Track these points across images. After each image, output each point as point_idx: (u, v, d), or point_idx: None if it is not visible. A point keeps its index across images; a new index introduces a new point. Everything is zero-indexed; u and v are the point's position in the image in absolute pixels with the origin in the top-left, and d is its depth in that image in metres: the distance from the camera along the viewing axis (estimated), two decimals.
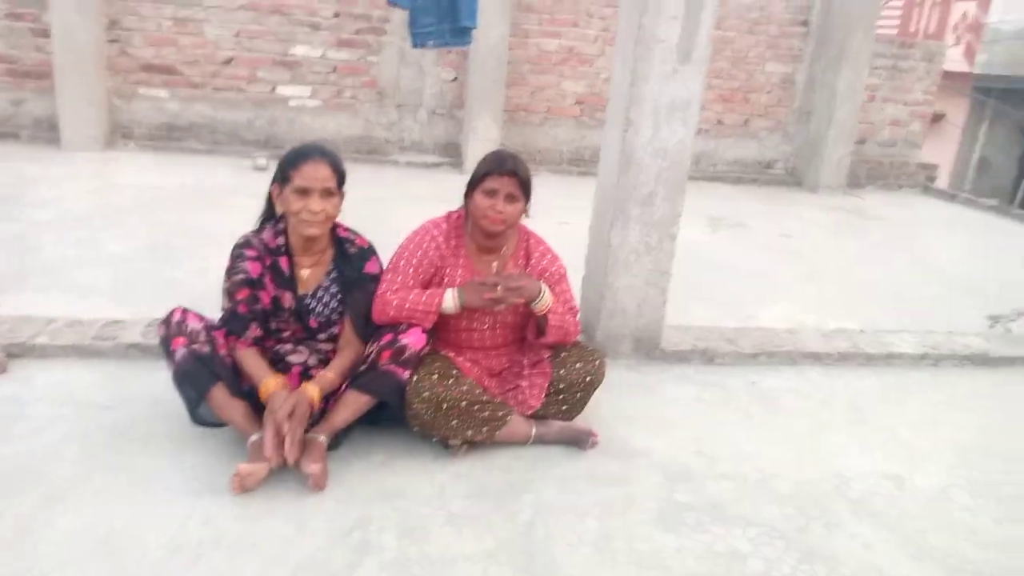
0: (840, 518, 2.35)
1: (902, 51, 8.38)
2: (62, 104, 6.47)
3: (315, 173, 2.33)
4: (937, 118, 12.00)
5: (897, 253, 5.89)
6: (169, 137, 7.00)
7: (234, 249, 2.43)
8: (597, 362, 2.65)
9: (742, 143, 8.24)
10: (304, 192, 2.32)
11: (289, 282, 2.44)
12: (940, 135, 12.86)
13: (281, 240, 2.44)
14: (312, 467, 2.21)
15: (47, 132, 6.68)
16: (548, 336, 2.55)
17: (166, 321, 2.35)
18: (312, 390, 2.31)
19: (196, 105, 7.00)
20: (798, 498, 2.43)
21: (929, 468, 2.70)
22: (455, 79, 7.37)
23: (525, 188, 2.49)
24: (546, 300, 2.49)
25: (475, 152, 6.64)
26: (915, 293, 4.78)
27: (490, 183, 2.46)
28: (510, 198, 2.46)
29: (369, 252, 2.54)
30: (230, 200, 5.46)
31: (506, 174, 2.45)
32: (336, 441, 2.39)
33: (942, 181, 10.21)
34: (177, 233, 4.60)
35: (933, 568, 2.17)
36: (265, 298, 2.43)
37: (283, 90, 7.10)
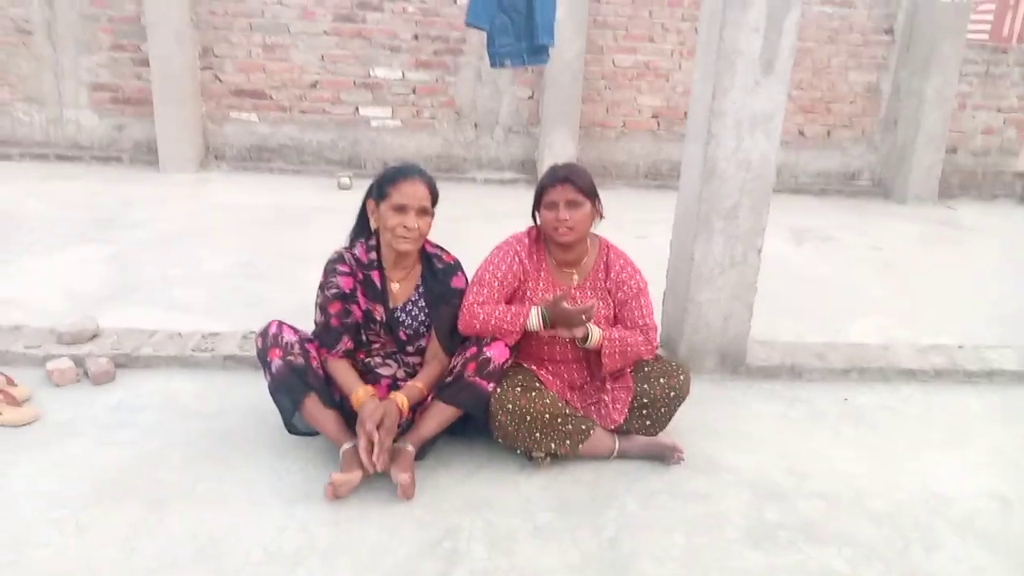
0: (942, 539, 2.25)
1: (994, 56, 8.01)
2: (160, 128, 6.83)
3: (413, 191, 2.41)
4: None
5: (993, 266, 5.62)
6: (259, 158, 7.30)
7: (327, 264, 2.52)
8: (682, 377, 2.62)
9: (825, 154, 8.02)
10: (401, 209, 2.40)
11: (381, 296, 2.52)
12: None
13: (373, 255, 2.52)
14: (401, 476, 2.26)
15: (146, 155, 7.06)
16: (607, 366, 2.56)
17: (263, 333, 2.45)
18: (400, 399, 2.37)
19: (284, 127, 7.27)
20: (895, 518, 2.34)
21: None
22: (531, 96, 7.44)
23: (585, 191, 2.51)
24: (594, 338, 2.50)
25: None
26: (1013, 307, 4.55)
27: (549, 196, 2.52)
28: (571, 204, 2.49)
29: (455, 267, 2.60)
30: (316, 219, 5.65)
31: (559, 182, 2.50)
32: (423, 451, 2.44)
33: None
34: (266, 251, 4.78)
35: None
36: (357, 311, 2.50)
37: (365, 111, 7.31)
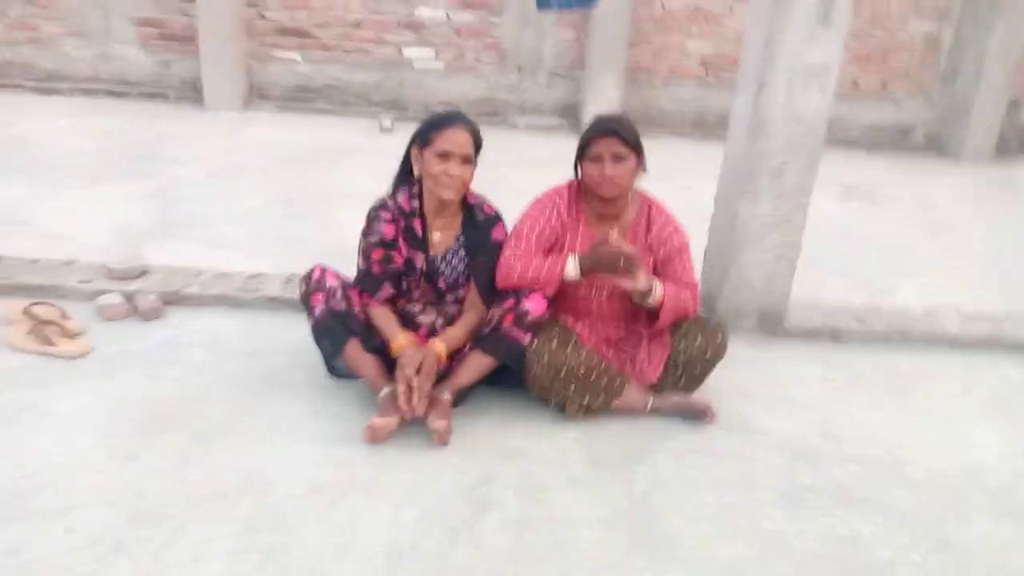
0: (976, 512, 2.24)
1: None
2: (205, 66, 6.84)
3: (457, 139, 2.40)
4: None
5: None
6: (302, 98, 7.29)
7: (370, 211, 2.53)
8: (719, 337, 2.60)
9: (879, 107, 7.75)
10: (445, 156, 2.39)
11: (422, 244, 2.53)
12: None
13: (416, 203, 2.53)
14: (438, 423, 2.31)
15: (191, 92, 7.09)
16: (661, 322, 2.54)
17: (307, 278, 2.49)
18: (439, 346, 2.41)
19: (327, 67, 7.23)
20: (930, 487, 2.33)
21: None
22: (576, 39, 7.27)
23: (631, 144, 2.46)
24: (657, 295, 2.46)
25: (593, 113, 6.51)
26: None
27: (594, 148, 2.47)
28: (616, 158, 2.44)
29: (496, 219, 2.60)
30: (356, 160, 5.67)
31: (605, 135, 2.45)
32: (459, 399, 2.48)
33: None
34: (306, 191, 4.82)
35: None
36: (398, 259, 2.52)
37: (409, 52, 7.23)
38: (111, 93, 7.06)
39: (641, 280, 2.40)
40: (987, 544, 2.11)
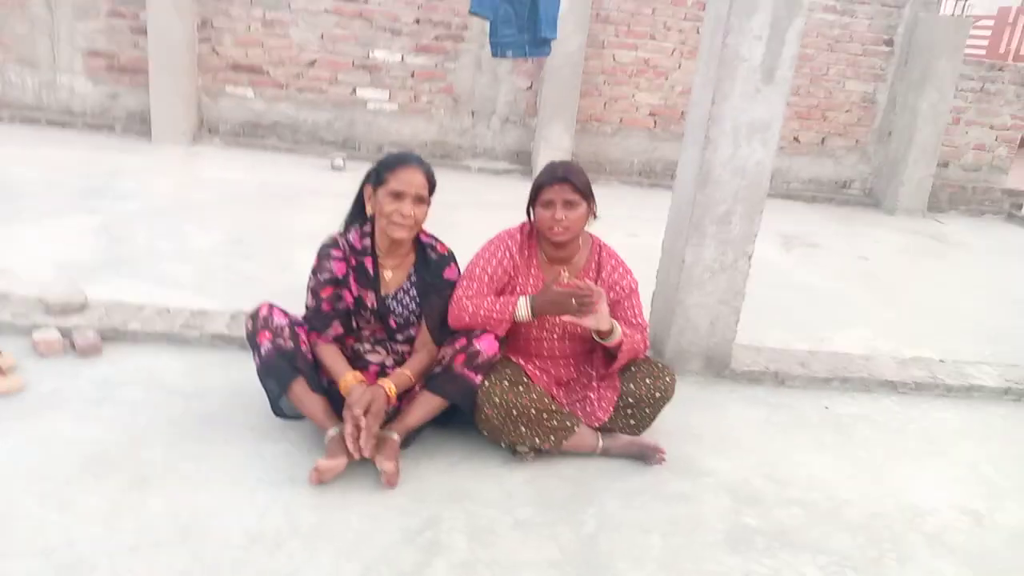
0: (915, 551, 2.30)
1: (991, 73, 8.09)
2: (155, 99, 6.75)
3: (411, 179, 2.41)
4: None
5: (979, 281, 5.69)
6: (253, 134, 7.25)
7: (321, 249, 2.52)
8: (667, 379, 2.65)
9: (818, 162, 8.07)
10: (398, 196, 2.40)
11: (373, 282, 2.52)
12: None
13: (367, 242, 2.52)
14: (386, 464, 2.27)
15: (139, 125, 6.98)
16: (618, 362, 2.57)
17: (253, 316, 2.45)
18: (389, 385, 2.38)
19: (279, 105, 7.22)
20: (870, 528, 2.38)
21: (1011, 506, 2.61)
22: (529, 87, 7.43)
23: (582, 191, 2.51)
24: (617, 334, 2.50)
25: (545, 160, 6.58)
26: (996, 324, 4.62)
27: (545, 195, 2.52)
28: (568, 204, 2.50)
29: (449, 259, 2.61)
30: (308, 199, 5.62)
31: (557, 182, 2.50)
32: (408, 440, 2.45)
33: None
34: (256, 229, 4.76)
35: None
36: (348, 297, 2.51)
37: (363, 93, 7.26)
38: (54, 123, 6.91)
39: (604, 320, 2.43)
40: None
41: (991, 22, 12.49)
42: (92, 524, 2.02)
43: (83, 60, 6.94)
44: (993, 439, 3.12)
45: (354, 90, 7.26)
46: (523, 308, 2.47)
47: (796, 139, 7.95)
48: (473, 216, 4.65)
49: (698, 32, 7.40)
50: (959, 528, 2.45)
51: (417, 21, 7.12)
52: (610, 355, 2.60)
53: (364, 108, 7.32)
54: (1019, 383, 3.51)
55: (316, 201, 5.56)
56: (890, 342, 4.02)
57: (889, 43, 7.77)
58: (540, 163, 7.04)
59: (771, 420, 3.05)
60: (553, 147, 7.06)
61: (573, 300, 2.39)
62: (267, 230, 4.76)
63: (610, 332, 2.49)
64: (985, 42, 12.67)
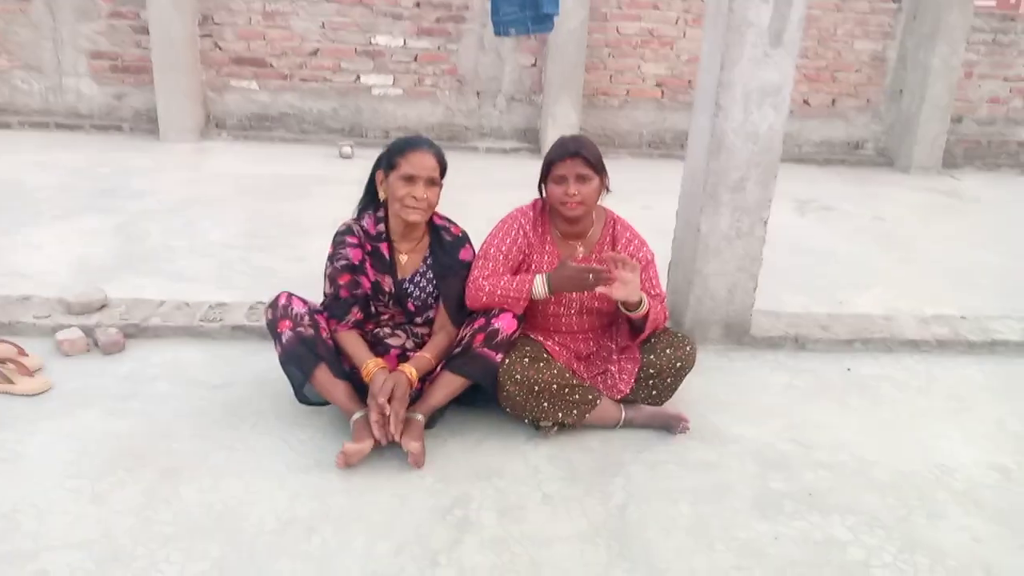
0: (944, 509, 2.29)
1: (1003, 24, 7.93)
2: (160, 97, 6.77)
3: (422, 162, 2.41)
4: None
5: (997, 236, 5.61)
6: (259, 127, 7.25)
7: (336, 236, 2.52)
8: (688, 348, 2.64)
9: (829, 123, 7.97)
10: (410, 179, 2.40)
11: (389, 267, 2.53)
12: None
13: (382, 227, 2.53)
14: (412, 445, 2.29)
15: (146, 124, 7.01)
16: (645, 333, 2.57)
17: (273, 305, 2.47)
18: (410, 370, 2.40)
19: (284, 96, 7.22)
20: (898, 487, 2.38)
21: None
22: (534, 64, 7.37)
23: (595, 165, 2.50)
24: (645, 305, 2.50)
25: (553, 137, 6.57)
26: (1017, 279, 4.56)
27: (557, 170, 2.51)
28: (581, 179, 2.49)
29: (463, 240, 2.61)
30: (318, 188, 5.64)
31: (569, 157, 2.49)
32: (432, 421, 2.47)
33: None
34: (270, 221, 4.78)
35: None
36: (366, 283, 2.52)
37: (367, 79, 7.25)
38: (62, 126, 6.95)
39: (634, 291, 2.43)
40: (955, 541, 2.15)
41: None
42: (127, 516, 2.05)
43: (87, 62, 6.96)
44: (1019, 393, 3.09)
45: (358, 77, 7.24)
46: (540, 286, 2.47)
47: (806, 102, 7.85)
48: (483, 197, 4.64)
49: (701, 0, 7.31)
50: (987, 484, 2.44)
51: (418, 4, 7.07)
52: (635, 327, 2.60)
53: (369, 94, 7.30)
54: None
55: (326, 189, 5.57)
56: (910, 301, 3.98)
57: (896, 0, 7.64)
58: (548, 140, 7.00)
59: (794, 384, 3.04)
60: (560, 123, 7.01)
61: (590, 276, 2.39)
62: (280, 221, 4.78)
63: (639, 303, 2.48)
64: None
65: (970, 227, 5.87)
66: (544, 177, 2.59)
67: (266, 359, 2.80)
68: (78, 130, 6.96)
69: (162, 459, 2.30)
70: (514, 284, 2.48)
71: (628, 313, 2.54)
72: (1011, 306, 3.98)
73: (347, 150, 6.67)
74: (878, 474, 2.45)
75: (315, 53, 7.12)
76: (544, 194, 2.63)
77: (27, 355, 2.76)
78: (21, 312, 3.10)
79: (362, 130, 7.34)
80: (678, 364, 2.62)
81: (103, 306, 3.17)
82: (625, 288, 2.42)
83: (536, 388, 2.43)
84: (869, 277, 4.41)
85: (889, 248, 5.07)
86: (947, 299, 4.05)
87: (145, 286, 3.57)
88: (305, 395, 2.50)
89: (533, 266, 2.62)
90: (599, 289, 2.41)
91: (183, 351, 2.99)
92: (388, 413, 2.27)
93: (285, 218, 4.85)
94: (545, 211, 2.67)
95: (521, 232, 2.61)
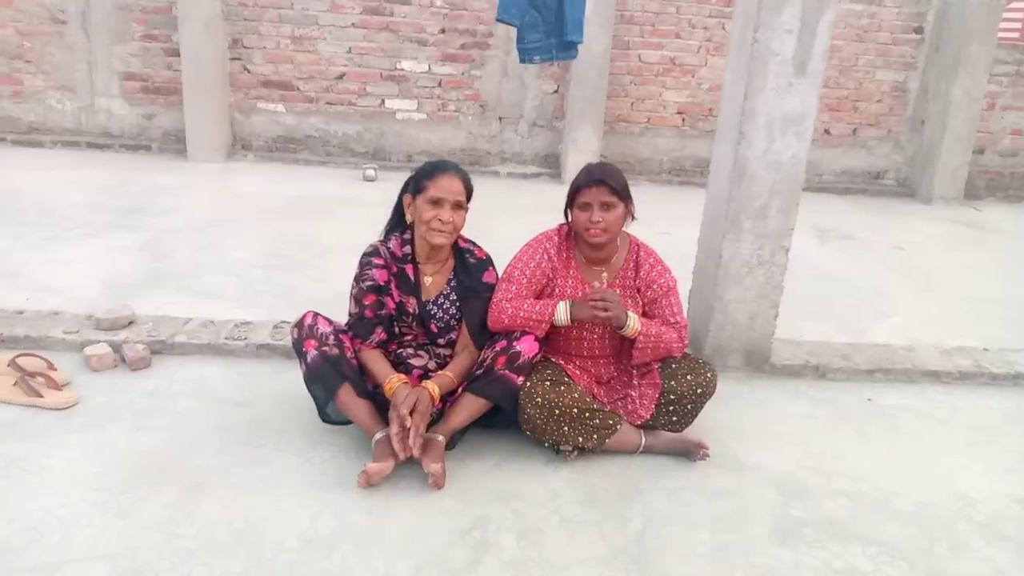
0: (966, 540, 2.27)
1: None
2: (189, 118, 6.92)
3: (449, 186, 2.46)
4: None
5: (1020, 268, 5.57)
6: (285, 149, 7.38)
7: (363, 257, 2.57)
8: (708, 375, 2.65)
9: (851, 153, 7.98)
10: (437, 203, 2.45)
11: (414, 288, 2.57)
12: None
13: (408, 249, 2.57)
14: (432, 466, 2.31)
15: (175, 144, 7.16)
16: (635, 358, 2.59)
17: (299, 324, 2.51)
18: (432, 387, 2.42)
19: (310, 119, 7.34)
20: (920, 518, 2.36)
21: None
22: (556, 91, 7.46)
23: (620, 192, 2.54)
24: (632, 326, 2.52)
25: (574, 163, 6.70)
26: None
27: (583, 197, 2.54)
28: (605, 206, 2.52)
29: (487, 263, 2.65)
30: (341, 210, 5.71)
31: (594, 184, 2.52)
32: (452, 442, 2.49)
33: None
34: (293, 241, 4.85)
35: None
36: (391, 303, 2.55)
37: (391, 104, 7.36)
38: (93, 145, 7.11)
39: (617, 316, 2.47)
40: (978, 573, 2.13)
41: None
42: (151, 530, 2.08)
43: (119, 83, 7.13)
44: None
45: (383, 101, 7.36)
46: (562, 313, 2.50)
47: (827, 131, 7.87)
48: (505, 221, 4.68)
49: (724, 28, 7.37)
50: (1011, 516, 2.41)
51: (443, 31, 7.19)
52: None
53: (393, 118, 7.41)
54: None
55: (350, 211, 5.64)
56: (932, 332, 3.96)
57: (919, 30, 7.66)
58: (569, 166, 7.06)
59: (814, 414, 3.03)
60: (581, 149, 7.07)
61: (601, 303, 2.44)
62: (304, 242, 4.84)
63: (622, 325, 2.50)
64: (1019, 25, 12.41)
65: (992, 258, 5.83)
66: (570, 202, 2.62)
67: (289, 378, 2.84)
68: (108, 149, 7.12)
69: (186, 475, 2.33)
70: (536, 308, 2.51)
71: (618, 332, 2.56)
72: None
73: (371, 173, 6.76)
74: (899, 504, 2.43)
75: (341, 77, 7.25)
76: (569, 219, 2.67)
77: (56, 369, 2.82)
78: (51, 327, 3.16)
79: (386, 154, 7.44)
80: (698, 391, 2.62)
81: (131, 323, 3.23)
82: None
83: (557, 412, 2.45)
84: (890, 307, 4.40)
85: (910, 278, 5.05)
86: (968, 330, 4.03)
87: (172, 303, 3.63)
88: (328, 414, 2.52)
89: (557, 290, 2.65)
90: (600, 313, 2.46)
91: (208, 368, 3.03)
92: (409, 426, 2.29)
93: (309, 239, 4.92)
94: (570, 236, 2.70)
95: (546, 256, 2.64)
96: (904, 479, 2.58)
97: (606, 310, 2.45)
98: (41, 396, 2.66)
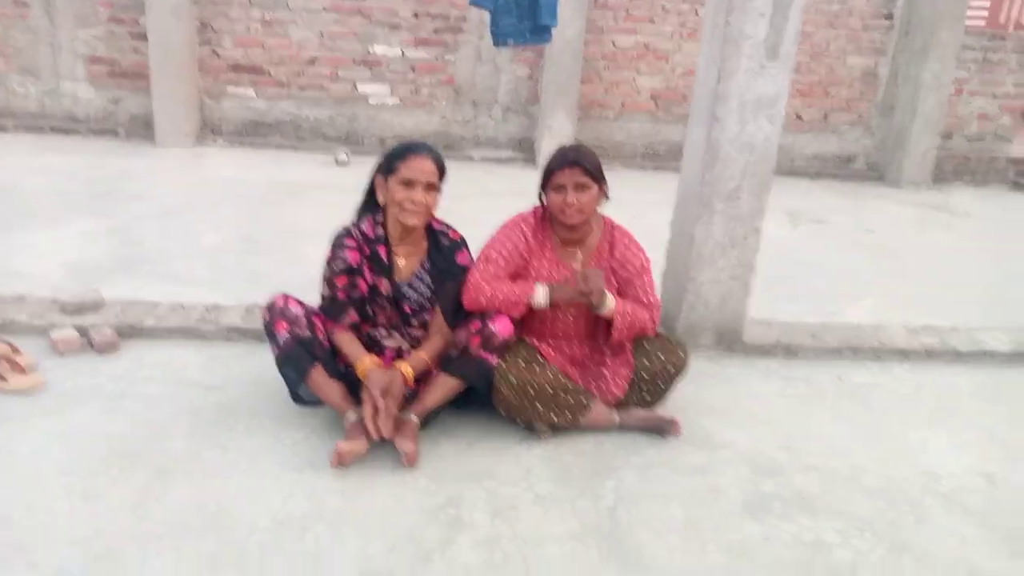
0: (931, 513, 2.32)
1: (993, 43, 8.04)
2: (157, 102, 6.78)
3: (421, 166, 2.44)
4: None
5: (985, 250, 5.68)
6: (255, 133, 7.28)
7: (335, 239, 2.55)
8: (680, 354, 2.67)
9: (821, 137, 8.06)
10: (409, 184, 2.43)
11: (387, 270, 2.55)
12: None
13: (380, 230, 2.55)
14: (406, 445, 2.31)
15: (142, 129, 7.02)
16: (613, 336, 2.59)
17: (270, 306, 2.48)
18: (405, 368, 2.42)
19: (281, 103, 7.25)
20: (887, 492, 2.41)
21: None
22: (530, 75, 7.43)
23: (593, 174, 2.54)
24: (609, 306, 2.52)
25: (548, 147, 6.69)
26: (1005, 292, 4.61)
27: (557, 179, 2.54)
28: (580, 187, 2.52)
29: (461, 244, 2.64)
30: (313, 194, 5.66)
31: (568, 166, 2.53)
32: (426, 422, 2.48)
33: None
34: (264, 226, 4.80)
35: None
36: (363, 285, 2.54)
37: (363, 88, 7.29)
38: (58, 130, 6.96)
39: (595, 294, 2.47)
40: (942, 544, 2.18)
41: None
42: (120, 514, 2.05)
43: (85, 67, 6.98)
44: (1006, 402, 3.13)
45: (355, 86, 7.28)
46: (541, 296, 2.50)
47: (798, 116, 7.92)
48: (479, 205, 4.65)
49: (697, 14, 7.38)
50: (974, 489, 2.47)
51: (415, 15, 7.13)
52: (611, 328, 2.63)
53: (366, 103, 7.34)
54: None
55: (322, 196, 5.59)
56: (900, 312, 4.02)
57: (889, 16, 7.73)
58: (543, 150, 7.05)
59: (785, 392, 3.07)
60: (555, 134, 7.06)
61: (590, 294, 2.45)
62: (275, 226, 4.79)
63: (601, 304, 2.50)
64: (985, 12, 12.58)
65: (959, 241, 5.93)
66: (544, 185, 2.62)
67: (260, 361, 2.81)
68: (74, 134, 6.97)
69: (155, 458, 2.31)
70: (516, 289, 2.51)
71: (595, 311, 2.56)
72: (998, 317, 4.02)
73: (343, 157, 6.70)
74: (867, 479, 2.47)
75: (313, 61, 7.16)
76: (544, 201, 2.66)
77: (20, 353, 2.77)
78: (15, 311, 3.10)
79: (358, 138, 7.37)
80: (671, 369, 2.65)
81: (98, 306, 3.18)
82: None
83: (530, 390, 2.45)
84: (860, 288, 4.46)
85: (880, 260, 5.12)
86: (936, 310, 4.09)
87: (141, 288, 3.58)
88: (300, 395, 2.51)
89: (532, 271, 2.65)
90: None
91: (178, 352, 3.00)
92: (381, 407, 2.29)
93: (280, 223, 4.87)
94: (545, 218, 2.70)
95: (522, 237, 2.63)
96: (872, 455, 2.63)
97: (590, 291, 2.44)
98: (5, 380, 2.61)
